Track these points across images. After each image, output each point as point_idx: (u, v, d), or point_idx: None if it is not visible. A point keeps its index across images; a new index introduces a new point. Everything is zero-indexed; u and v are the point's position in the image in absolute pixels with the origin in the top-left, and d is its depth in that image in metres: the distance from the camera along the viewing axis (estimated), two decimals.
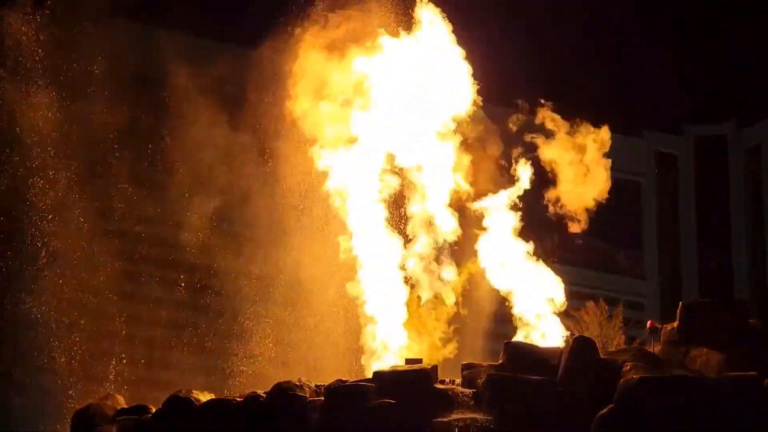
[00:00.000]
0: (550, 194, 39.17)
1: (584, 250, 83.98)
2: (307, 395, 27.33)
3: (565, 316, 48.13)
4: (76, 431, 31.80)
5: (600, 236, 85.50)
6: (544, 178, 40.17)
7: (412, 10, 40.04)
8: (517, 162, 38.30)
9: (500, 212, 38.01)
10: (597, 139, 38.44)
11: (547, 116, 42.30)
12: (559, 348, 28.26)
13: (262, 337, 58.30)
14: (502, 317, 42.34)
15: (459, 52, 40.04)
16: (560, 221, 40.19)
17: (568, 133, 38.32)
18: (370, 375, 28.82)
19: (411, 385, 26.29)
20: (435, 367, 27.74)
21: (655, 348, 29.87)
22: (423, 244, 37.07)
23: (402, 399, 25.93)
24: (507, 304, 37.16)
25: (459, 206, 38.88)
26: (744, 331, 27.90)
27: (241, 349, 65.04)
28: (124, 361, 60.65)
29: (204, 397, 29.77)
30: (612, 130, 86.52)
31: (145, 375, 64.58)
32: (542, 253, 39.28)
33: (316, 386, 27.67)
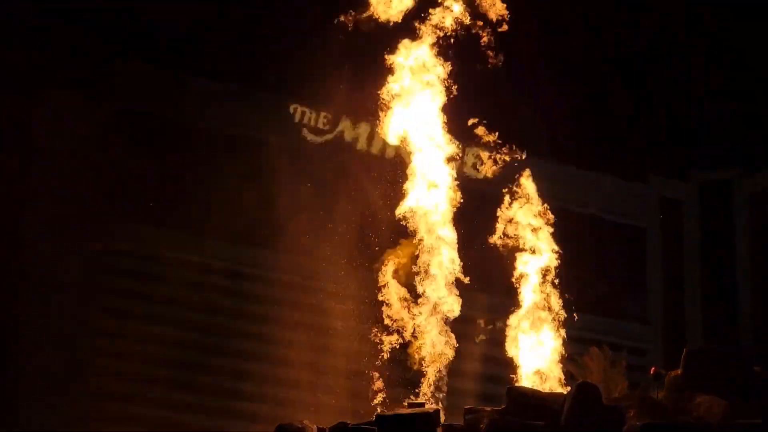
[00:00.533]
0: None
1: (588, 295, 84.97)
2: None
3: (568, 361, 50.16)
4: None
5: (604, 281, 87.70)
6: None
7: None
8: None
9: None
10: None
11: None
12: (562, 393, 28.34)
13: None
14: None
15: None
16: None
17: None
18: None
19: (414, 428, 26.26)
20: (438, 411, 27.68)
21: (659, 394, 29.92)
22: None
23: None
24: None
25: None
26: (748, 378, 27.86)
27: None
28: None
29: None
30: (618, 176, 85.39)
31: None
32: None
33: (319, 429, 27.34)
